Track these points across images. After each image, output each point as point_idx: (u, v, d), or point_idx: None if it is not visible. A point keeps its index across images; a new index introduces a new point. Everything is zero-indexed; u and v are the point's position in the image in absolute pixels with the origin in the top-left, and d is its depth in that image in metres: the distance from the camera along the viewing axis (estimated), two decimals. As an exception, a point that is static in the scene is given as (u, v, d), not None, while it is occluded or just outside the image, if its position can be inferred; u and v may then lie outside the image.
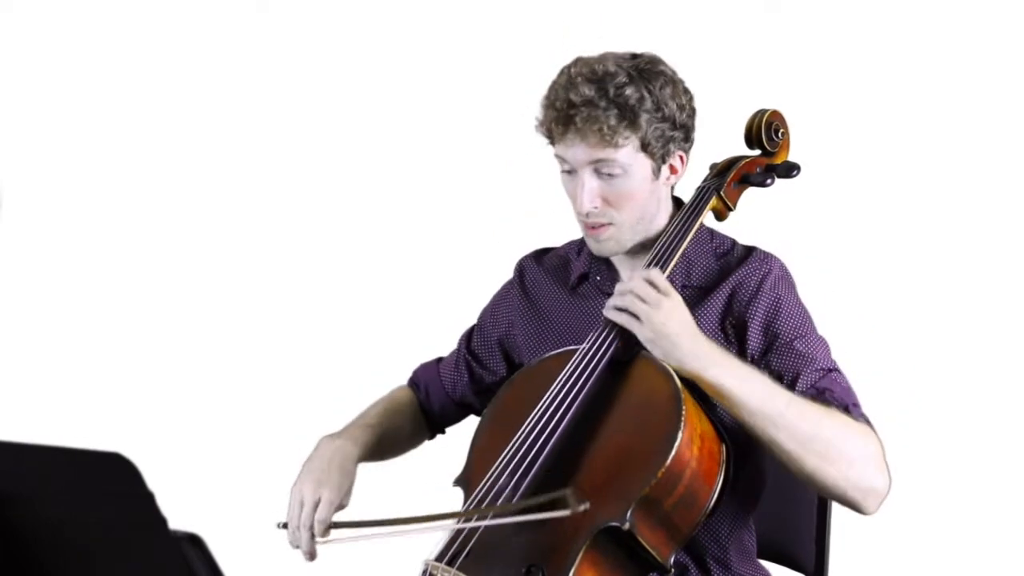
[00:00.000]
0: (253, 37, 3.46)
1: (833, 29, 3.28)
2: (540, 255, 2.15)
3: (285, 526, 1.91)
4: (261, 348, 3.39)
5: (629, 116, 1.84)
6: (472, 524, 1.74)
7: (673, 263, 1.91)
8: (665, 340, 1.77)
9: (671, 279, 1.90)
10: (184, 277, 3.43)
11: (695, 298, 1.91)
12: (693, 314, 1.82)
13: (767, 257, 1.96)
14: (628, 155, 1.86)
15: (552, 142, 1.92)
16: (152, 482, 1.25)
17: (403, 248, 3.41)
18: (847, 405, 1.82)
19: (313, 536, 1.87)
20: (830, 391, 1.83)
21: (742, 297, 1.91)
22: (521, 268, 2.15)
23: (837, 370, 1.88)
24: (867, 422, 1.82)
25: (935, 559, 3.11)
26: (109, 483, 1.26)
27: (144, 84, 3.46)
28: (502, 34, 3.39)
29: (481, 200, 3.34)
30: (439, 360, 2.21)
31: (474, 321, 2.21)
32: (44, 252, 3.44)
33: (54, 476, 1.32)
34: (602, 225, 1.91)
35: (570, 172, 1.91)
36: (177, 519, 1.29)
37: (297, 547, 1.90)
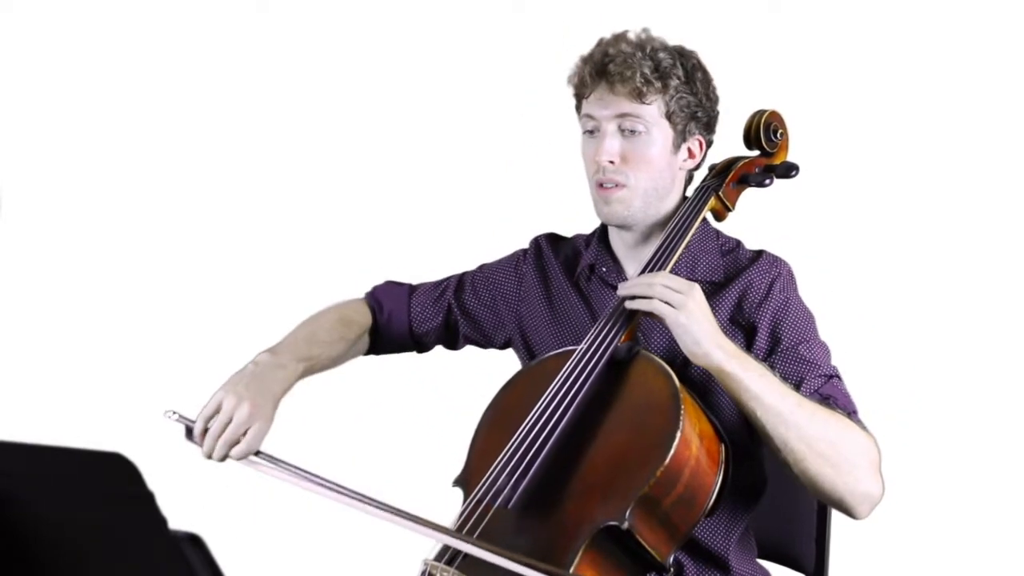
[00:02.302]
0: (253, 37, 3.47)
1: (833, 29, 3.28)
2: (554, 240, 2.16)
3: (180, 418, 1.83)
4: (261, 349, 3.39)
5: (662, 73, 1.90)
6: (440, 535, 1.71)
7: (674, 260, 1.92)
8: (697, 327, 1.77)
9: (675, 272, 1.91)
10: (184, 277, 3.43)
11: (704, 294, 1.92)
12: None
13: (776, 260, 1.98)
14: (653, 115, 1.91)
15: (581, 98, 1.96)
16: (152, 482, 1.25)
17: (403, 248, 3.41)
18: (848, 412, 1.84)
19: (227, 455, 1.81)
20: (833, 398, 1.85)
21: (753, 299, 1.93)
22: (537, 246, 2.15)
23: (838, 376, 1.89)
24: (865, 429, 1.83)
25: (935, 559, 3.11)
26: (109, 483, 1.26)
27: (144, 84, 3.46)
28: (502, 34, 3.39)
29: (481, 200, 3.34)
30: (411, 290, 2.18)
31: (459, 270, 2.20)
32: (44, 252, 3.44)
33: (54, 476, 1.32)
34: (615, 185, 1.93)
35: (592, 133, 1.94)
36: (177, 519, 1.29)
37: (195, 443, 1.83)
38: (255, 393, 1.84)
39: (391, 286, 2.19)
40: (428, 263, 3.36)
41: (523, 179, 3.29)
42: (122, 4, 3.46)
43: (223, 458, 1.82)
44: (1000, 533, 3.15)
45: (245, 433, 1.81)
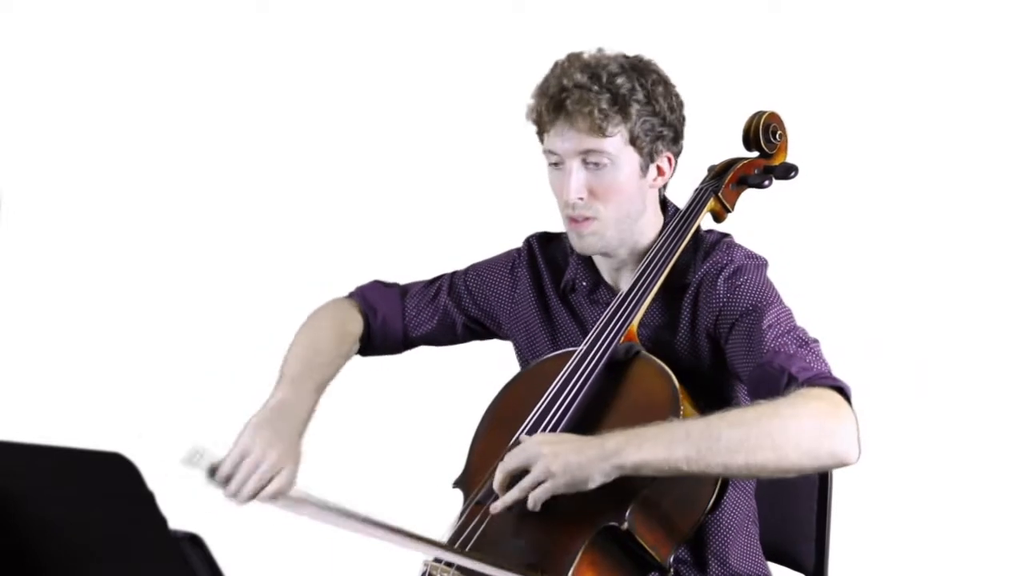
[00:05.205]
0: (253, 37, 3.47)
1: (833, 29, 3.28)
2: (545, 242, 2.12)
3: (206, 463, 1.74)
4: (257, 349, 3.39)
5: (620, 103, 1.84)
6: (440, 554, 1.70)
7: (670, 266, 1.91)
8: (576, 469, 1.66)
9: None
10: (184, 277, 3.43)
11: (666, 303, 1.93)
12: (665, 323, 1.87)
13: (729, 249, 1.93)
14: (616, 145, 1.86)
15: (542, 132, 1.92)
16: (152, 482, 1.25)
17: (402, 249, 3.41)
18: (789, 372, 1.73)
19: (253, 497, 1.75)
20: (770, 362, 1.75)
21: (706, 294, 1.90)
22: (530, 248, 2.13)
23: (790, 332, 1.79)
24: (809, 383, 1.71)
25: (935, 559, 3.11)
26: (109, 483, 1.26)
27: (144, 84, 3.46)
28: (502, 34, 3.39)
29: (480, 200, 3.33)
30: (402, 292, 2.14)
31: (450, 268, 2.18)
32: (44, 252, 3.44)
33: (54, 476, 1.32)
34: (586, 219, 1.89)
35: (557, 165, 1.90)
36: (177, 519, 1.29)
37: (216, 485, 1.76)
38: (284, 435, 1.79)
39: (380, 288, 2.15)
40: (427, 263, 3.34)
41: (523, 179, 3.29)
42: (122, 4, 3.46)
43: (246, 501, 1.75)
44: (999, 533, 3.15)
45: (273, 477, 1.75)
